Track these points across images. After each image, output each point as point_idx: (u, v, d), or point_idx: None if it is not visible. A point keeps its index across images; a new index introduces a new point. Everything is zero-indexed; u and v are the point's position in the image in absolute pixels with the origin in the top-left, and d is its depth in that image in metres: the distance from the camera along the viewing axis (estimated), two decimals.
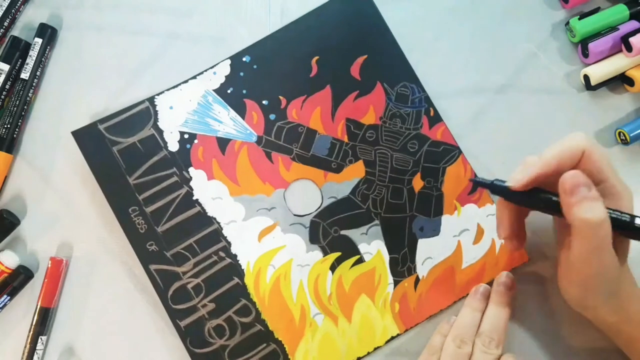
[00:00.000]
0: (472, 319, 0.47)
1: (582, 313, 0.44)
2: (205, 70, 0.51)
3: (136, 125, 0.50)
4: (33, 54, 0.51)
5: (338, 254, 0.50)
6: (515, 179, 0.40)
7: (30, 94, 0.51)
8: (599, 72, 0.51)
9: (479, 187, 0.49)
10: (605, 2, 0.54)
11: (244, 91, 0.51)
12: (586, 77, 0.52)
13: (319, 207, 0.51)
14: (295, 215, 0.50)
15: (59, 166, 0.51)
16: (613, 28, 0.52)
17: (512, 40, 0.53)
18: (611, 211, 0.39)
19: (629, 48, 0.50)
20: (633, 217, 0.39)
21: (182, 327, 0.48)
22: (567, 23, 0.53)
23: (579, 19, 0.52)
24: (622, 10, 0.52)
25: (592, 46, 0.51)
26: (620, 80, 0.52)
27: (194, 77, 0.51)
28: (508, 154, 0.52)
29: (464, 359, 0.45)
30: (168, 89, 0.51)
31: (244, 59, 0.52)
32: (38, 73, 0.51)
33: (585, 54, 0.52)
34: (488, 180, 0.43)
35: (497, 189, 0.42)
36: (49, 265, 0.49)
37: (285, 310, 0.49)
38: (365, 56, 0.52)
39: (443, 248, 0.50)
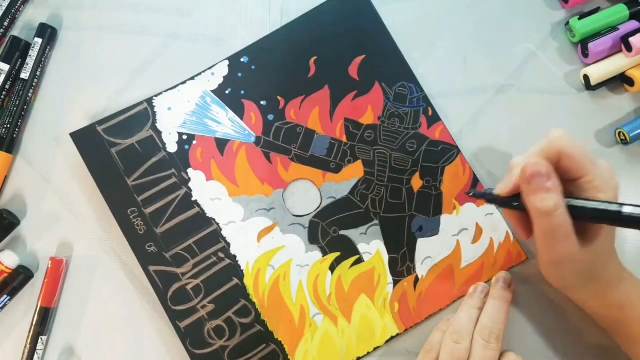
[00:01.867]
0: (470, 316, 0.47)
1: (564, 293, 0.45)
2: (204, 71, 0.51)
3: (135, 127, 0.50)
4: (33, 54, 0.51)
5: (337, 254, 0.50)
6: (500, 187, 0.43)
7: (30, 94, 0.51)
8: (598, 72, 0.51)
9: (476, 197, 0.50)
10: (605, 2, 0.53)
11: (242, 92, 0.51)
12: (586, 77, 0.52)
13: (318, 208, 0.51)
14: (294, 215, 0.50)
15: (59, 166, 0.51)
16: (613, 28, 0.51)
17: (512, 40, 0.53)
18: (579, 200, 0.40)
19: (629, 48, 0.50)
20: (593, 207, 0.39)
21: (182, 328, 0.48)
22: (567, 23, 0.53)
23: (579, 19, 0.52)
24: (622, 10, 0.52)
25: (592, 46, 0.51)
26: (620, 80, 0.52)
27: (192, 78, 0.51)
28: (508, 154, 0.52)
29: (462, 354, 0.45)
30: (166, 90, 0.51)
31: (242, 60, 0.52)
32: (38, 73, 0.51)
33: (585, 54, 0.52)
34: (481, 192, 0.47)
35: (489, 197, 0.45)
36: (49, 265, 0.49)
37: (285, 310, 0.49)
38: (363, 56, 0.52)
39: (442, 247, 0.50)
